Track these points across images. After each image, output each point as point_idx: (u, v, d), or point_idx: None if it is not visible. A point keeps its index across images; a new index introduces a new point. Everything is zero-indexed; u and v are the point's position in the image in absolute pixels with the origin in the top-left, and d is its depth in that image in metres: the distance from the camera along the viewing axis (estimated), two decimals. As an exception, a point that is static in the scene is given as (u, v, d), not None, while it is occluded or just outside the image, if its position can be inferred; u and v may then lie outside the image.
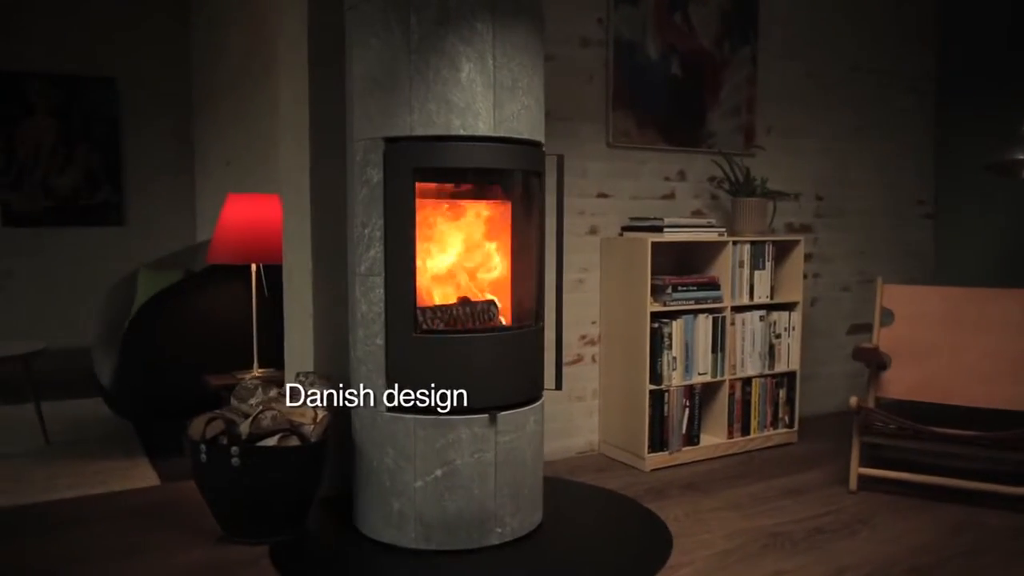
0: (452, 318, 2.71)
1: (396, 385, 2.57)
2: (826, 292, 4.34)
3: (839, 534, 2.77)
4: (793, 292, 3.79)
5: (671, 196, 3.79)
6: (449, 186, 2.73)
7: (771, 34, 4.00)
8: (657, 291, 3.47)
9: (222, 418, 2.61)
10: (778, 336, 3.74)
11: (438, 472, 2.55)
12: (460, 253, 2.81)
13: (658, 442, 3.44)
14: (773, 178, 4.00)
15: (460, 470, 2.56)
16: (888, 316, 3.57)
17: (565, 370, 3.47)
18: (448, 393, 2.53)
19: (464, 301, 2.80)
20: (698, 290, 3.51)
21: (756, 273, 3.65)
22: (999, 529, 2.82)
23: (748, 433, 3.69)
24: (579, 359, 3.59)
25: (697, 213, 3.85)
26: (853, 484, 3.16)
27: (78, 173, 7.22)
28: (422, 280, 2.75)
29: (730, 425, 3.63)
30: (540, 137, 2.68)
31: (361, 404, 2.66)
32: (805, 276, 4.18)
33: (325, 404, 2.83)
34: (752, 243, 3.63)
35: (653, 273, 3.49)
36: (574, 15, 3.46)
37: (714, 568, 2.49)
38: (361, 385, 2.65)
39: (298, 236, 3.10)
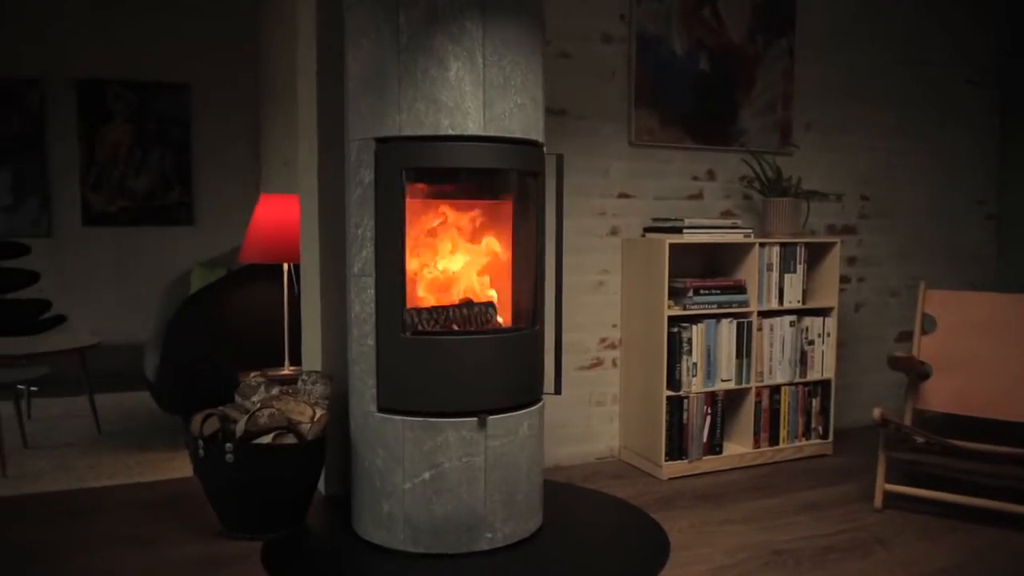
0: (448, 320, 2.68)
1: (386, 386, 2.56)
2: (872, 297, 4.12)
3: (851, 554, 2.61)
4: (828, 297, 3.61)
5: (699, 196, 3.66)
6: (444, 187, 2.70)
7: (809, 27, 3.82)
8: (677, 294, 3.36)
9: (218, 415, 2.66)
10: (811, 343, 3.57)
11: (426, 475, 2.53)
12: (458, 254, 2.78)
13: (676, 450, 3.33)
14: (812, 177, 3.84)
15: (448, 473, 2.53)
16: (930, 323, 3.36)
17: (583, 374, 3.43)
18: (436, 395, 2.51)
19: (466, 302, 2.77)
20: (721, 294, 3.39)
21: (786, 276, 3.50)
22: (1032, 555, 2.62)
23: (777, 443, 3.53)
24: (599, 363, 3.51)
25: (727, 214, 3.72)
26: (878, 502, 2.98)
27: (152, 175, 7.53)
28: (420, 281, 2.75)
29: (756, 435, 3.48)
30: (537, 136, 2.62)
31: (355, 404, 2.66)
32: (848, 280, 3.99)
33: (325, 403, 2.86)
34: (782, 245, 3.47)
35: (676, 276, 3.40)
36: (594, 11, 3.39)
37: (706, 584, 2.40)
38: (355, 385, 2.66)
39: (310, 236, 3.13)
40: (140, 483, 3.35)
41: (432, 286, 2.77)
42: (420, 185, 2.64)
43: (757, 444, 3.49)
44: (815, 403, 3.61)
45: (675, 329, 3.30)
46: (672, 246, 3.41)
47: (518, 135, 2.55)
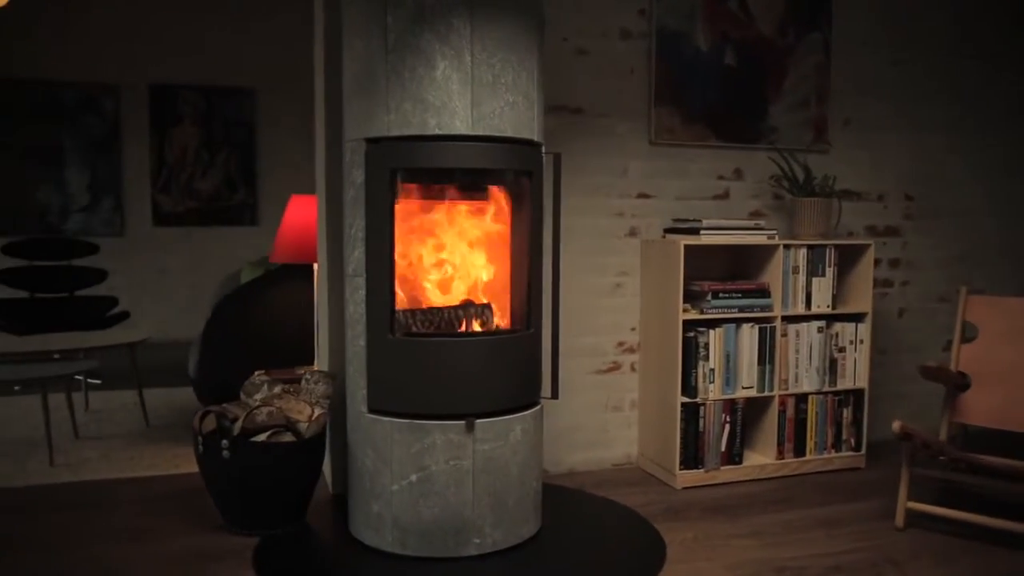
0: (444, 321, 2.66)
1: (375, 387, 2.56)
2: (917, 303, 3.89)
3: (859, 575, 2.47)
4: (861, 302, 3.43)
5: (725, 196, 3.53)
6: (440, 187, 2.67)
7: (847, 18, 3.64)
8: (695, 297, 3.25)
9: (215, 412, 2.71)
10: (841, 350, 3.40)
11: (413, 477, 2.51)
12: (457, 255, 2.75)
13: (692, 459, 3.22)
14: (851, 176, 3.66)
15: (435, 476, 2.51)
16: (972, 331, 3.16)
17: (600, 378, 3.36)
18: (423, 397, 2.49)
19: (465, 304, 2.75)
20: (743, 297, 3.26)
21: (814, 280, 3.34)
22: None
23: (803, 455, 3.38)
24: (616, 367, 3.43)
25: (756, 214, 3.58)
26: (900, 520, 2.81)
27: (218, 177, 7.79)
28: (416, 281, 2.73)
29: (780, 445, 3.34)
30: (532, 135, 2.57)
31: (349, 404, 2.67)
32: (890, 284, 3.79)
33: (326, 403, 2.88)
34: (809, 247, 3.31)
35: (698, 278, 3.29)
36: (613, 7, 3.31)
37: (692, 600, 2.30)
38: (349, 385, 2.67)
39: (320, 236, 3.16)
40: (167, 475, 3.45)
41: (431, 287, 2.75)
42: (415, 185, 2.62)
43: (781, 455, 3.34)
44: (846, 413, 3.43)
45: (691, 333, 3.19)
46: (692, 248, 3.32)
47: (509, 134, 2.50)
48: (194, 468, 3.51)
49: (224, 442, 2.65)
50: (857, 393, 3.44)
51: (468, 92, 2.44)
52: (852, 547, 2.66)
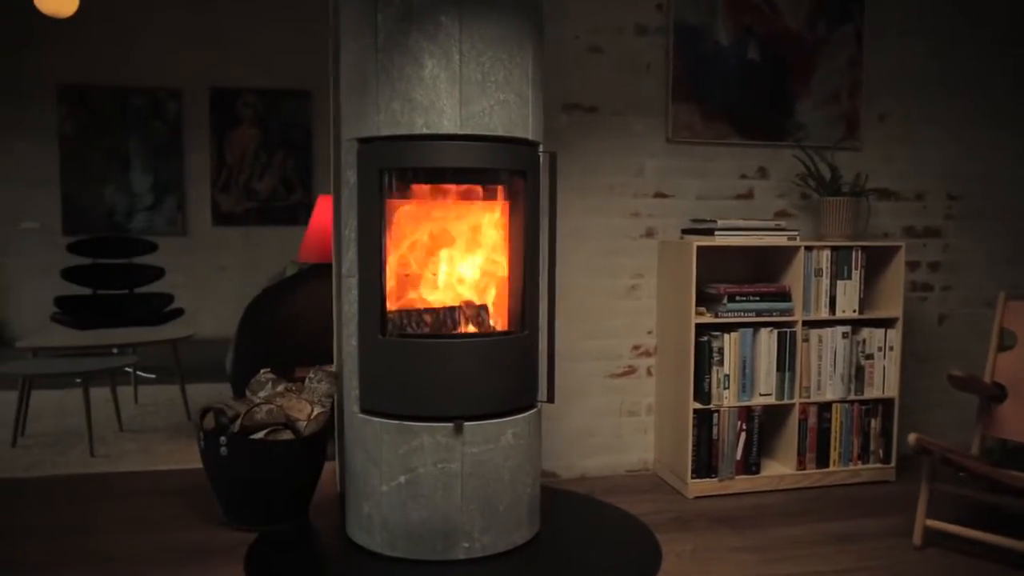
0: (438, 322, 2.64)
1: (366, 387, 2.55)
2: (960, 308, 3.68)
3: (861, 595, 2.34)
4: (891, 306, 3.26)
5: (748, 196, 3.41)
6: (437, 187, 2.65)
7: (882, 7, 3.46)
8: (711, 301, 3.14)
9: (214, 410, 2.75)
10: (869, 357, 3.24)
11: (402, 479, 2.50)
12: (451, 255, 2.72)
13: (705, 467, 3.12)
14: (886, 174, 3.49)
15: (423, 479, 2.49)
16: (1011, 338, 2.97)
17: (614, 382, 3.30)
18: (412, 398, 2.47)
19: (465, 305, 2.72)
20: (761, 300, 3.13)
21: (839, 283, 3.19)
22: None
23: (826, 466, 3.23)
24: (631, 371, 3.35)
25: (781, 215, 3.44)
26: (918, 538, 2.66)
27: (275, 177, 7.97)
28: (413, 282, 2.71)
29: (800, 455, 3.20)
30: (525, 134, 2.52)
31: (345, 404, 2.68)
32: (930, 288, 3.59)
33: (328, 401, 2.89)
34: (833, 249, 3.17)
35: (717, 281, 3.19)
36: (628, 2, 3.23)
37: (676, 615, 2.22)
38: (345, 385, 2.67)
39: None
40: (191, 469, 3.53)
41: (427, 287, 2.73)
42: (412, 185, 2.60)
43: (802, 466, 3.20)
44: (874, 424, 3.27)
45: (704, 338, 3.08)
46: (709, 249, 3.22)
47: (500, 133, 2.46)
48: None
49: (222, 439, 2.69)
50: (886, 402, 3.27)
51: (456, 91, 2.41)
52: (859, 565, 2.53)
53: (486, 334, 2.61)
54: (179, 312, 6.26)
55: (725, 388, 3.10)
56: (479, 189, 2.64)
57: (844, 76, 3.43)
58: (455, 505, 2.50)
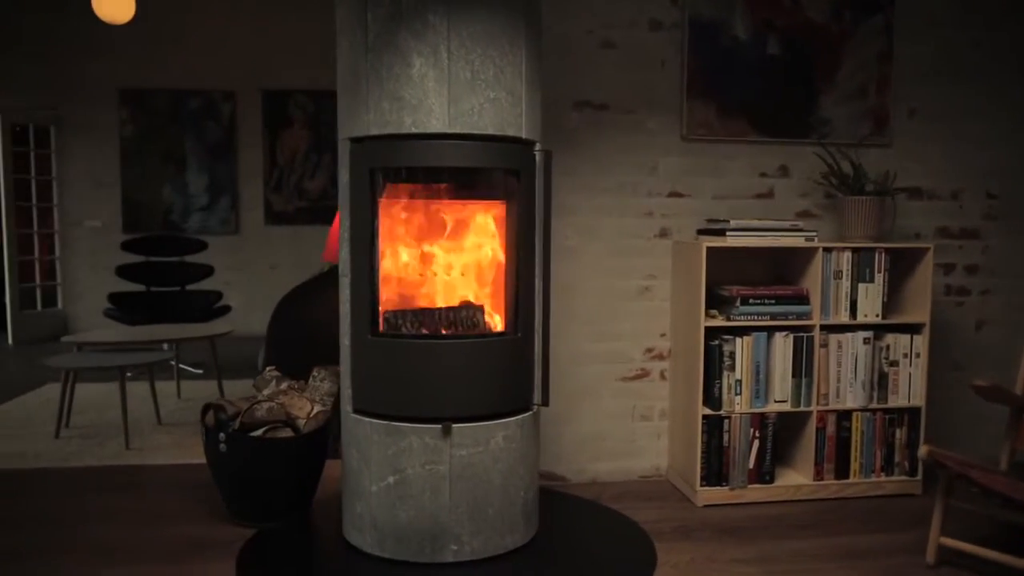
0: (433, 322, 2.62)
1: (357, 386, 2.55)
2: (1000, 314, 3.48)
3: (860, 614, 2.23)
4: (918, 311, 3.11)
5: (768, 195, 3.29)
6: (431, 186, 2.63)
7: (915, -2, 3.31)
8: (723, 303, 3.05)
9: (214, 407, 2.79)
10: (893, 364, 3.09)
11: (390, 479, 2.49)
12: (448, 256, 2.70)
13: (715, 475, 3.02)
14: (917, 172, 3.33)
15: (411, 480, 2.47)
16: (1045, 347, 2.80)
17: (626, 385, 3.24)
18: (400, 399, 2.46)
19: (463, 306, 2.70)
20: (776, 304, 3.02)
21: (861, 286, 3.05)
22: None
23: (846, 476, 3.09)
24: (644, 374, 3.27)
25: (804, 215, 3.31)
26: (931, 556, 2.52)
27: (325, 177, 8.10)
28: (409, 282, 2.70)
29: (818, 465, 3.07)
30: (518, 132, 2.48)
31: (342, 403, 2.68)
32: (967, 292, 3.41)
33: (330, 400, 2.91)
34: (854, 250, 3.03)
35: (734, 283, 3.10)
36: (642, -3, 3.16)
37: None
38: (342, 384, 2.67)
39: (339, 236, 3.19)
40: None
41: (423, 288, 2.71)
42: (402, 185, 2.59)
43: (819, 476, 3.08)
44: (899, 434, 3.12)
45: (715, 341, 2.99)
46: (724, 250, 3.13)
47: (490, 131, 2.43)
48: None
49: (221, 435, 2.72)
50: (912, 412, 3.11)
51: (445, 89, 2.39)
52: (865, 583, 2.41)
53: (476, 335, 2.57)
54: (227, 309, 6.42)
55: (737, 394, 3.00)
56: (472, 188, 2.61)
57: (872, 70, 3.28)
58: (443, 507, 2.47)
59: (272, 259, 8.09)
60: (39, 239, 7.69)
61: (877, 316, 3.06)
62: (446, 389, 2.46)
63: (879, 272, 3.05)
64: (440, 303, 2.68)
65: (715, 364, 2.99)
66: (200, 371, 6.09)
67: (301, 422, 2.80)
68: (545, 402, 2.63)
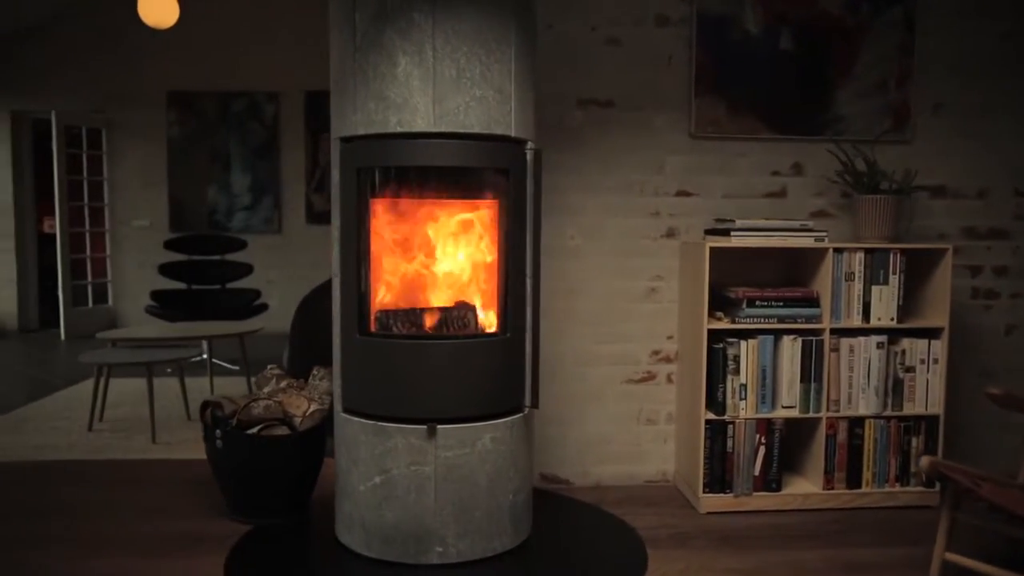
0: (424, 323, 2.61)
1: (346, 386, 2.56)
2: (1031, 318, 3.32)
3: (849, 631, 2.14)
4: (937, 315, 2.97)
5: (781, 194, 3.19)
6: (420, 187, 2.61)
7: (938, -13, 3.17)
8: (729, 305, 2.97)
9: (211, 404, 2.82)
10: (909, 369, 2.96)
11: (377, 479, 2.49)
12: (441, 256, 2.68)
13: (719, 482, 2.94)
14: (941, 170, 3.20)
15: (396, 480, 2.47)
16: (1070, 354, 2.65)
17: (632, 388, 3.19)
18: (385, 399, 2.46)
19: (457, 306, 2.68)
20: (784, 306, 2.93)
21: (874, 289, 2.93)
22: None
23: (858, 486, 2.98)
24: (650, 377, 3.21)
25: (819, 214, 3.20)
26: (935, 572, 2.39)
27: (366, 177, 8.16)
28: (403, 282, 2.69)
29: (828, 473, 2.97)
30: (506, 130, 2.45)
31: (334, 403, 2.69)
32: (995, 296, 3.26)
33: (328, 399, 2.92)
34: (867, 251, 2.91)
35: (740, 285, 3.02)
36: (649, -8, 3.10)
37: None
38: (334, 384, 2.68)
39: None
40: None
41: (414, 288, 2.70)
42: (390, 184, 2.58)
43: (829, 485, 2.97)
44: (916, 443, 2.99)
45: (719, 345, 2.91)
46: (736, 251, 3.06)
47: (476, 130, 2.40)
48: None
49: (217, 432, 2.76)
50: (930, 420, 2.98)
51: (430, 88, 2.37)
52: (860, 598, 2.31)
53: (463, 335, 2.55)
54: (264, 307, 6.53)
55: (742, 398, 2.92)
56: (462, 187, 2.59)
57: (891, 63, 3.15)
58: (428, 508, 2.46)
59: (313, 258, 8.19)
60: (90, 238, 7.95)
61: (892, 320, 2.94)
62: (432, 389, 2.45)
63: (894, 274, 2.93)
64: (434, 303, 2.66)
65: (718, 367, 2.91)
66: (236, 367, 6.20)
67: (297, 420, 2.82)
68: (535, 404, 2.59)
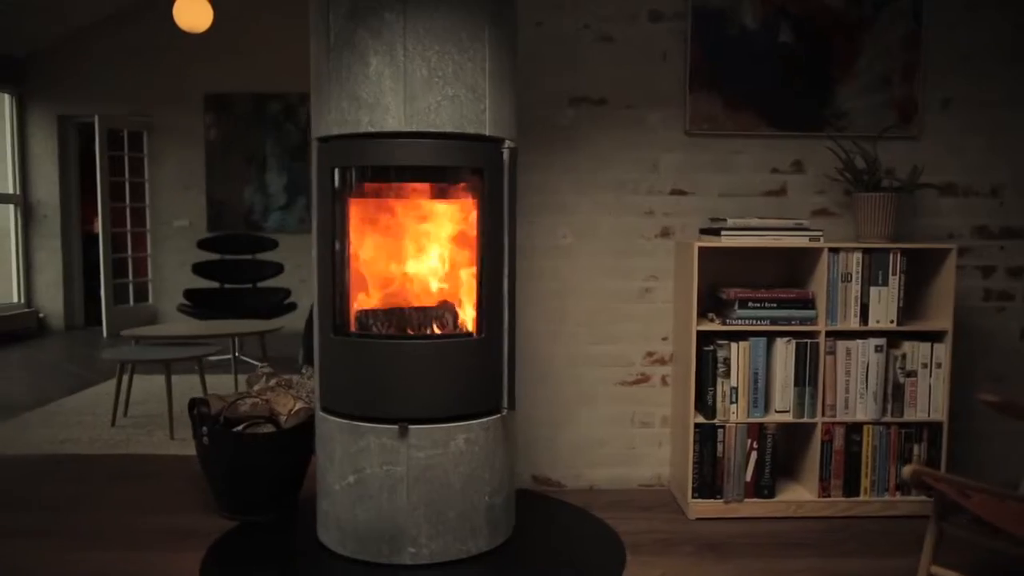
0: (402, 322, 2.60)
1: (323, 385, 2.57)
2: (1049, 321, 3.16)
3: (820, 645, 2.06)
4: (941, 317, 2.86)
5: (780, 192, 3.11)
6: (397, 185, 2.61)
7: (947, -23, 3.04)
8: (722, 306, 2.90)
9: (197, 401, 2.86)
10: (910, 374, 2.85)
11: (351, 478, 2.49)
12: (420, 255, 2.67)
13: (708, 487, 2.87)
14: (951, 166, 3.08)
15: (369, 479, 2.46)
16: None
17: (625, 390, 3.15)
18: (359, 398, 2.46)
19: (438, 306, 2.67)
20: (778, 307, 2.84)
21: (873, 290, 2.83)
22: None
23: (856, 494, 2.88)
24: (644, 379, 3.15)
25: (821, 213, 3.11)
26: (920, 585, 2.30)
27: (399, 177, 8.23)
28: (382, 282, 2.70)
29: (824, 480, 2.87)
30: (480, 129, 2.43)
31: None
32: (1010, 297, 3.13)
33: (313, 397, 2.93)
34: (865, 251, 2.81)
35: (735, 286, 2.94)
36: (643, -13, 3.04)
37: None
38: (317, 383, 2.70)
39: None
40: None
41: (392, 287, 2.70)
42: (365, 184, 2.58)
43: (825, 492, 2.88)
44: (917, 450, 2.88)
45: (710, 347, 2.84)
46: (730, 251, 2.99)
47: (448, 129, 2.39)
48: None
49: (203, 429, 2.80)
50: (933, 426, 2.87)
51: (401, 87, 2.36)
52: (838, 611, 2.23)
53: (436, 336, 2.54)
54: (293, 306, 6.62)
55: (732, 402, 2.84)
56: (437, 187, 2.58)
57: (896, 57, 3.04)
58: (400, 509, 2.45)
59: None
60: (132, 238, 8.16)
61: (892, 322, 2.83)
62: (404, 389, 2.44)
63: (893, 275, 2.82)
64: (413, 303, 2.65)
65: (708, 370, 2.84)
66: (263, 365, 6.29)
67: (283, 418, 2.84)
68: (512, 406, 2.56)
